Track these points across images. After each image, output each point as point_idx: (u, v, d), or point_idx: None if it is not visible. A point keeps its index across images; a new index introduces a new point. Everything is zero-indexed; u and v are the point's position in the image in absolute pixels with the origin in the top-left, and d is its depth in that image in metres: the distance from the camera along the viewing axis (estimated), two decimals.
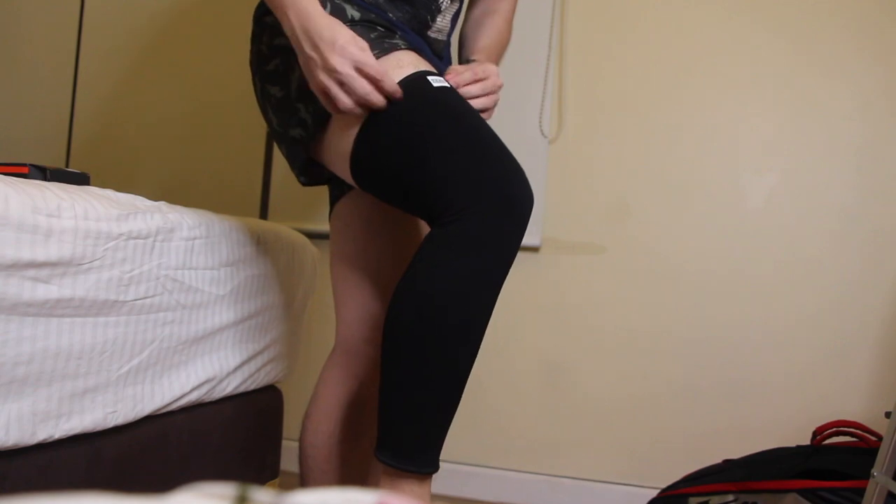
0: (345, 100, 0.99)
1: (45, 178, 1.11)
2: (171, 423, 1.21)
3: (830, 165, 1.93)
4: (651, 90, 2.03)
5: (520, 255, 2.09)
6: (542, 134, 2.06)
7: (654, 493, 1.77)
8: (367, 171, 1.07)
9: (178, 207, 1.20)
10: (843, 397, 1.87)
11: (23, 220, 0.87)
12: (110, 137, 2.39)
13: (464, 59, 1.29)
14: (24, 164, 1.11)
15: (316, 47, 1.00)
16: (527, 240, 2.06)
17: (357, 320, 1.29)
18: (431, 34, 1.24)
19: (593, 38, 2.07)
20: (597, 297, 2.03)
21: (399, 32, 1.16)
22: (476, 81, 1.15)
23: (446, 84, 1.07)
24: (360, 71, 0.98)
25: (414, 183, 1.02)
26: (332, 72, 0.98)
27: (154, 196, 1.18)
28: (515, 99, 2.09)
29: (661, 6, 2.03)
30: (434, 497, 2.04)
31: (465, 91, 1.13)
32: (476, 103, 1.15)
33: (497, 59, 1.30)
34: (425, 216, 1.03)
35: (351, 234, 1.30)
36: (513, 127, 2.09)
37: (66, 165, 2.37)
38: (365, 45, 1.01)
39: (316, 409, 1.32)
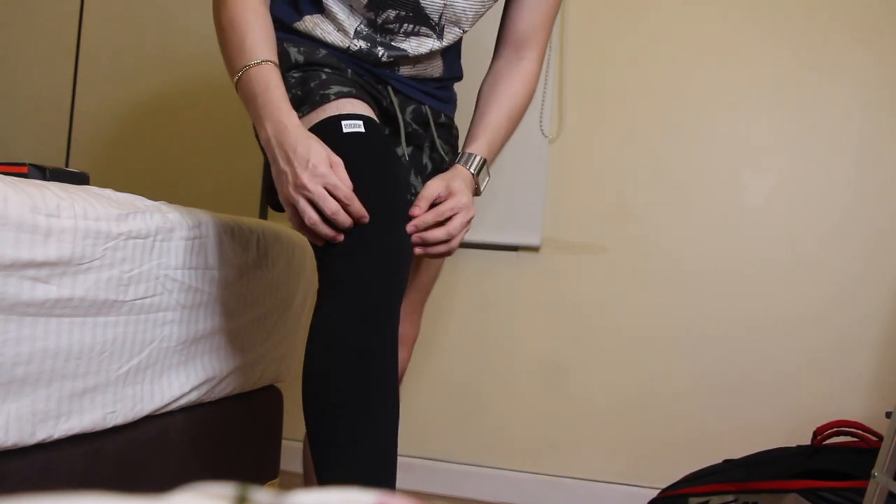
0: (312, 215, 0.98)
1: (44, 178, 1.11)
2: (170, 423, 1.21)
3: (830, 165, 1.93)
4: (651, 90, 2.03)
5: (520, 255, 2.10)
6: (543, 134, 2.06)
7: (654, 493, 1.77)
8: None
9: (178, 207, 1.20)
10: (844, 397, 1.87)
11: (22, 219, 0.87)
12: (110, 137, 2.39)
13: (464, 144, 1.22)
14: (23, 164, 1.11)
15: (289, 162, 1.00)
16: (527, 240, 2.06)
17: None
18: (406, 72, 1.23)
19: (594, 38, 2.07)
20: (597, 297, 2.03)
21: (351, 70, 1.16)
22: (438, 224, 1.06)
23: (359, 129, 1.05)
24: (329, 191, 0.98)
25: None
26: (301, 188, 0.98)
27: (153, 196, 1.18)
28: None
29: (662, 6, 2.03)
30: (434, 497, 2.04)
31: (426, 236, 1.05)
32: (435, 250, 1.08)
33: (502, 142, 1.23)
34: None
35: None
36: None
37: (66, 165, 2.36)
38: (338, 161, 0.99)
39: None
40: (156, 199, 1.17)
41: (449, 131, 1.35)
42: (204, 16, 2.37)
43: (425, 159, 1.30)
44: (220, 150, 2.30)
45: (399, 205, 1.06)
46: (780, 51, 1.96)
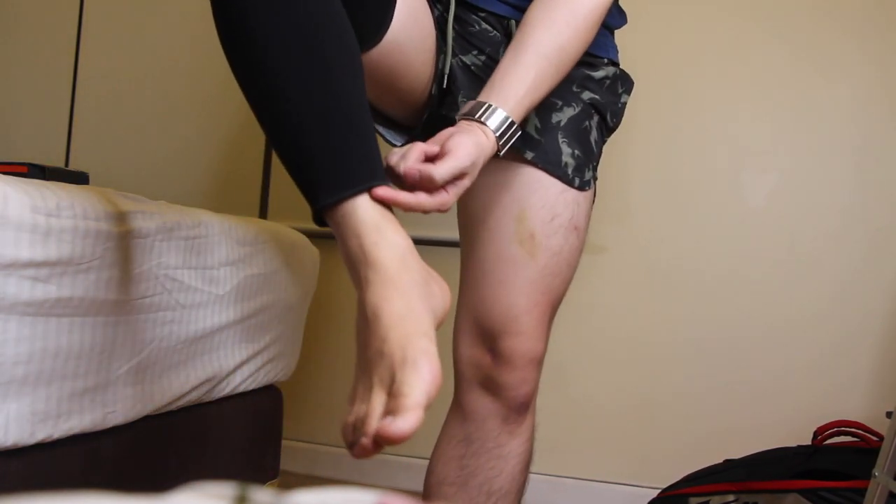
0: None
1: (43, 177, 1.11)
2: (170, 423, 1.21)
3: (830, 165, 1.93)
4: (651, 89, 2.02)
5: None
6: None
7: (654, 494, 1.77)
8: None
9: (178, 207, 1.20)
10: (844, 397, 1.86)
11: (22, 219, 0.87)
12: (110, 137, 2.39)
13: (488, 83, 0.91)
14: (22, 164, 1.11)
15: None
16: None
17: (457, 329, 1.12)
18: None
19: None
20: (597, 296, 2.03)
21: None
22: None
23: None
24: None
25: None
26: None
27: (154, 195, 1.18)
28: None
29: (661, 6, 2.03)
30: None
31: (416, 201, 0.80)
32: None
33: (541, 94, 0.91)
34: None
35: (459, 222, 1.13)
36: None
37: (66, 164, 2.36)
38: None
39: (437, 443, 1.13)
40: (156, 199, 1.17)
41: None
42: (204, 15, 2.37)
43: None
44: (221, 151, 2.30)
45: None
46: (780, 51, 1.96)
